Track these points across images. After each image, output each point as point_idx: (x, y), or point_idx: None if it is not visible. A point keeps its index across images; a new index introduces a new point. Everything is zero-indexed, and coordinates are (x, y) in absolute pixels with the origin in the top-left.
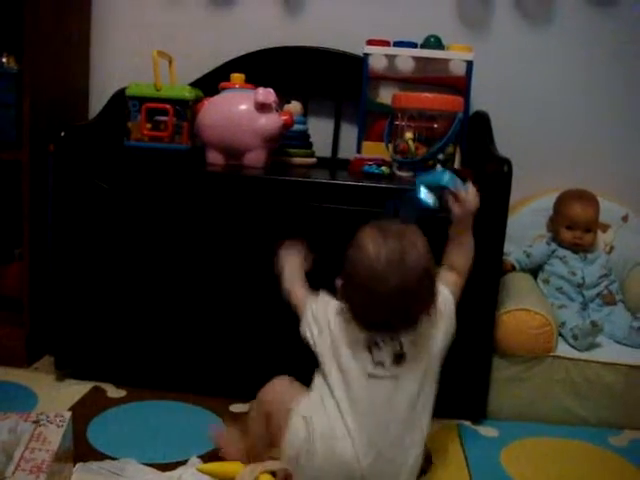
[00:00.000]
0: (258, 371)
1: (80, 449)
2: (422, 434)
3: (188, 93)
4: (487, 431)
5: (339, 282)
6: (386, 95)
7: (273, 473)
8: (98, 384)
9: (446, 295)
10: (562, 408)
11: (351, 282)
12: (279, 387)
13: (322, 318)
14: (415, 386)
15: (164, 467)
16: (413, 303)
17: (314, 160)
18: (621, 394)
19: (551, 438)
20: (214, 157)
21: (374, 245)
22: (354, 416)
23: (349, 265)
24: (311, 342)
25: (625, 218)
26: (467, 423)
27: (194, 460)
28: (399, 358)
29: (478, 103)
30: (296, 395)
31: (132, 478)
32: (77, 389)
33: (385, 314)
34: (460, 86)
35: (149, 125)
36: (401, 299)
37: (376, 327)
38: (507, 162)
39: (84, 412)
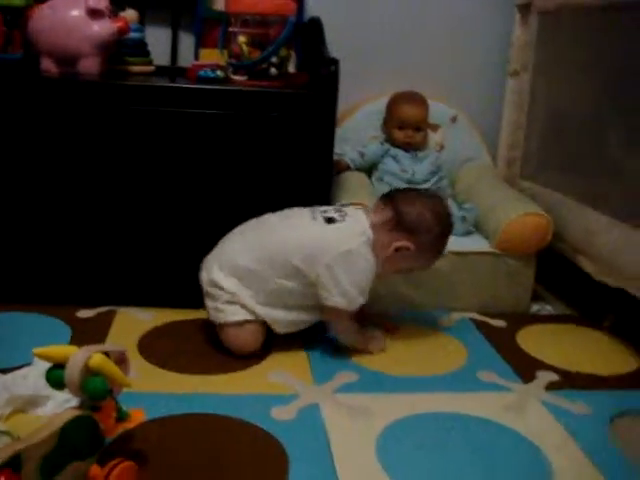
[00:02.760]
0: (102, 276)
1: None
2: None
3: (18, 0)
4: None
5: None
6: (222, 2)
7: (107, 354)
8: None
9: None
10: (395, 294)
11: None
12: None
13: None
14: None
15: (10, 371)
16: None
17: (152, 68)
18: (448, 279)
19: (386, 321)
20: (47, 65)
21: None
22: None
23: None
24: None
25: (454, 119)
26: None
27: (38, 360)
28: (331, 220)
29: (313, 9)
30: None
31: None
32: None
33: None
34: None
35: None
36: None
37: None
38: (335, 62)
39: None
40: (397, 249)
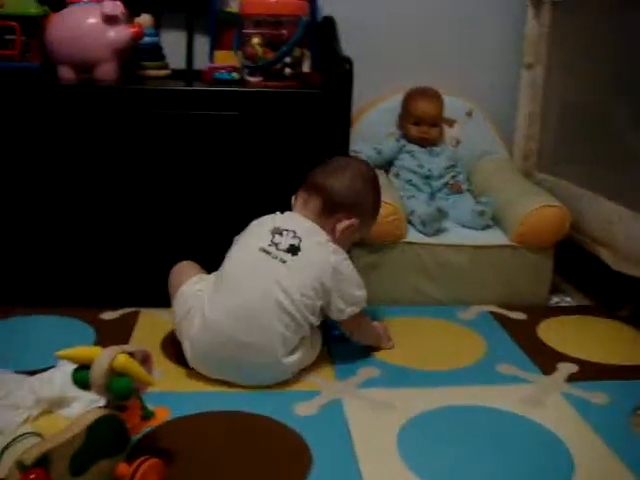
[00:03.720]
0: (125, 278)
1: None
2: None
3: (34, 9)
4: None
5: None
6: (235, 4)
7: (132, 354)
8: None
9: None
10: (415, 290)
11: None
12: (179, 269)
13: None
14: (296, 281)
15: (36, 373)
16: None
17: (168, 72)
18: (467, 273)
19: (407, 317)
20: (65, 73)
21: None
22: (232, 287)
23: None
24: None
25: (469, 113)
26: None
27: (64, 362)
28: (294, 249)
29: (326, 8)
30: (192, 274)
31: (3, 385)
32: None
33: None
34: None
35: None
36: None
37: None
38: (348, 61)
39: None
40: (343, 230)
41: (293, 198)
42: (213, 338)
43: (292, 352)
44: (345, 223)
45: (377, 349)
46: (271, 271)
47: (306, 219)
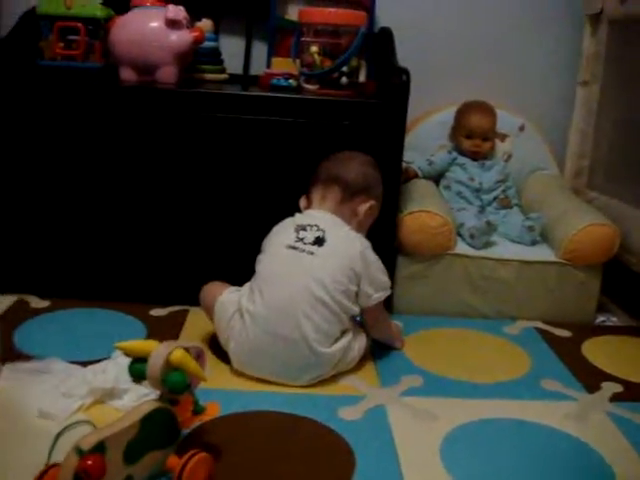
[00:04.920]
0: (175, 277)
1: (7, 354)
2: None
3: (99, 11)
4: None
5: None
6: (295, 12)
7: (187, 350)
8: (21, 296)
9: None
10: (461, 302)
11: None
12: (211, 286)
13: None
14: (327, 270)
15: (89, 364)
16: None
17: (226, 76)
18: (513, 288)
19: (451, 329)
20: (127, 74)
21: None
22: (267, 285)
23: None
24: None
25: (522, 128)
26: None
27: (117, 354)
28: (319, 240)
29: (383, 20)
30: (223, 289)
31: (58, 374)
32: (0, 301)
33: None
34: (365, 3)
35: (61, 44)
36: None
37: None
38: (405, 72)
39: (9, 321)
40: (366, 211)
41: (302, 199)
42: (256, 334)
43: (333, 344)
44: (366, 205)
45: (395, 348)
46: (301, 264)
47: (325, 212)
